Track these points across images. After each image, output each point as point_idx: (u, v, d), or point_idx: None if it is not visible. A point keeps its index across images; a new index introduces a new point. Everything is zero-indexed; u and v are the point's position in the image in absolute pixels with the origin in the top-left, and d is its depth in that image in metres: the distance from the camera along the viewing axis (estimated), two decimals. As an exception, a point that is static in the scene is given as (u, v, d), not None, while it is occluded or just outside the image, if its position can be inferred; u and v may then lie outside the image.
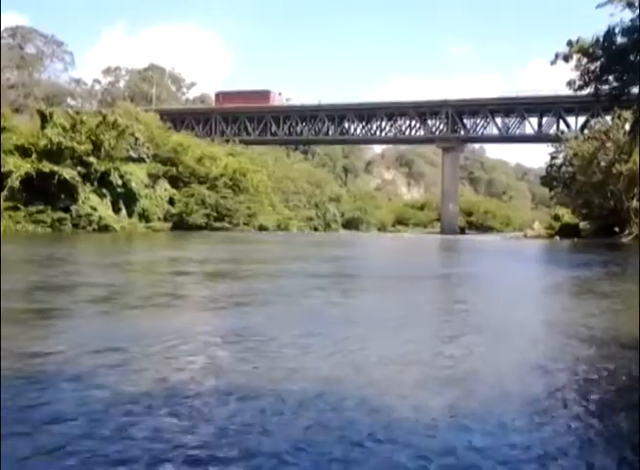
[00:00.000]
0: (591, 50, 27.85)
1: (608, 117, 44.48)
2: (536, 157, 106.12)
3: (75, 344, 4.94)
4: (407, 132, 67.28)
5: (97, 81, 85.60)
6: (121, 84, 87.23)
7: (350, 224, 73.81)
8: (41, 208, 34.13)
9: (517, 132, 62.09)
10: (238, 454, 2.73)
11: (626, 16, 26.52)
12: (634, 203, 40.60)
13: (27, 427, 3.00)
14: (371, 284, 11.31)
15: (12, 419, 3.09)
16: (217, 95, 73.20)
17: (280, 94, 70.41)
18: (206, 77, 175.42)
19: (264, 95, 68.53)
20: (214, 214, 46.88)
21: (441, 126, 63.68)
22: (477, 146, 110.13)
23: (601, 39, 26.95)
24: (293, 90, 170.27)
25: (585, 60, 28.60)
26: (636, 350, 5.03)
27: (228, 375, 4.09)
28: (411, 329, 6.18)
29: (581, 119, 55.84)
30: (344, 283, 11.21)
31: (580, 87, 29.64)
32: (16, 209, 33.66)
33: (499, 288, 11.16)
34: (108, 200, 38.02)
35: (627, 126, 37.32)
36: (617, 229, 41.28)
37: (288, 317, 6.80)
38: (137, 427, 3.02)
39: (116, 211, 38.69)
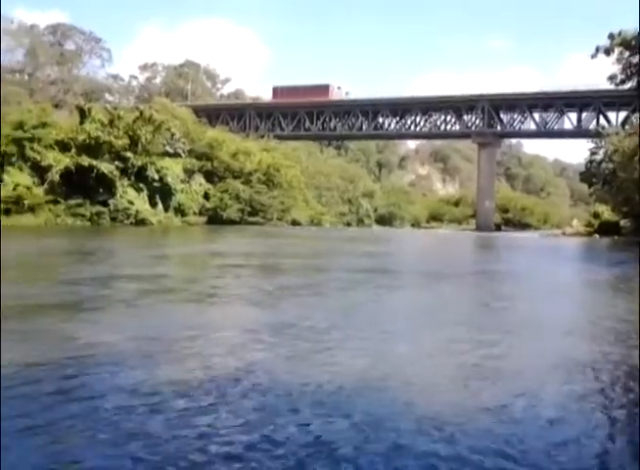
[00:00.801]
0: (634, 43, 27.10)
1: (651, 112, 43.22)
2: (575, 152, 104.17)
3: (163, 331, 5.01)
4: (442, 127, 66.51)
5: (134, 77, 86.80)
6: (158, 80, 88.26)
7: (384, 220, 73.41)
8: (80, 201, 34.82)
9: (555, 127, 60.77)
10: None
11: (673, 7, 25.69)
12: (678, 200, 39.32)
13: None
14: (409, 280, 11.21)
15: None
16: (275, 90, 71.17)
17: (339, 88, 68.83)
18: (241, 73, 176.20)
19: (324, 89, 67.27)
20: (248, 209, 47.15)
21: (477, 121, 62.74)
22: (514, 141, 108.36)
23: (645, 31, 26.17)
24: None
25: (627, 53, 27.85)
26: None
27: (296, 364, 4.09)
28: (452, 326, 6.08)
29: (622, 115, 54.36)
30: (382, 279, 11.12)
31: (622, 81, 28.93)
32: (56, 202, 34.39)
33: (536, 286, 10.93)
34: (144, 194, 38.56)
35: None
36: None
37: (330, 311, 6.77)
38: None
39: (153, 205, 39.22)
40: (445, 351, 4.86)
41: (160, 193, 39.85)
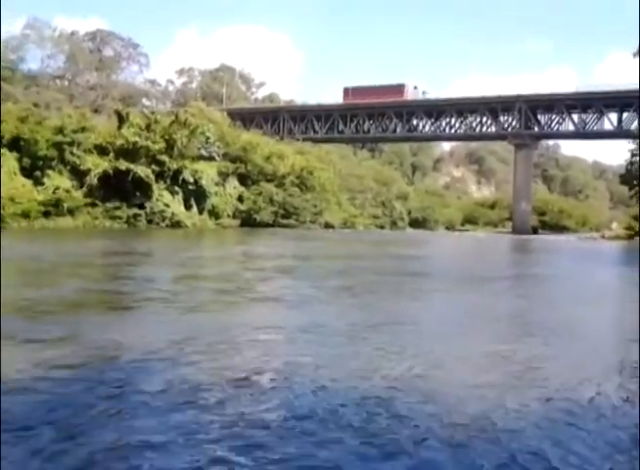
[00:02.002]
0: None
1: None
2: (615, 154, 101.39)
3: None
4: (478, 129, 65.68)
5: (170, 82, 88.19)
6: (194, 85, 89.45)
7: (417, 223, 72.74)
8: (117, 204, 35.43)
9: (594, 128, 59.39)
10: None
11: None
12: None
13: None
14: (446, 284, 11.04)
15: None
16: (346, 90, 68.97)
17: (415, 88, 66.70)
18: (275, 77, 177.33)
19: (399, 89, 65.49)
20: (282, 212, 47.30)
21: (514, 122, 61.75)
22: (551, 142, 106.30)
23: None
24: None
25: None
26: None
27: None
28: (487, 331, 5.96)
29: (666, 114, 52.81)
30: (421, 282, 11.00)
31: (665, 80, 27.98)
32: (94, 205, 35.06)
33: (574, 291, 10.66)
34: (180, 197, 39.04)
35: None
36: None
37: (368, 314, 6.70)
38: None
39: (188, 207, 39.68)
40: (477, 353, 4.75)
41: (195, 196, 40.29)
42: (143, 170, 36.37)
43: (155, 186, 36.96)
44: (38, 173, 34.40)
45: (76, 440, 2.83)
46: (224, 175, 44.94)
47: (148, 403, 3.37)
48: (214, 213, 42.39)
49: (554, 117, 61.09)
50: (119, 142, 37.45)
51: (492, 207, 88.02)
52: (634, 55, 27.93)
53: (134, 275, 10.14)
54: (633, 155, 49.16)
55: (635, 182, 48.49)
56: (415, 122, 67.50)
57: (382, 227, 61.82)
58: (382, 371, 4.16)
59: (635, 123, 55.46)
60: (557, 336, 5.80)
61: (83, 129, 37.12)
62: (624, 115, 57.15)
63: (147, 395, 3.51)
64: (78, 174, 35.80)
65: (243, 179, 47.59)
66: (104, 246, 18.73)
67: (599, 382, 4.08)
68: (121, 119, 39.63)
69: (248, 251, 18.98)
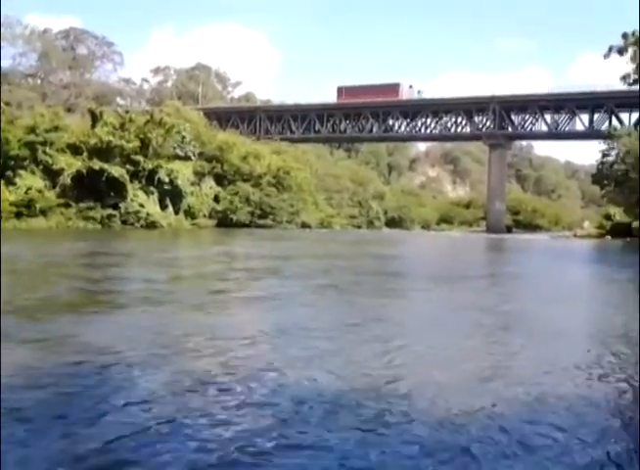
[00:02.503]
0: (647, 42, 26.86)
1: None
2: (587, 154, 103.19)
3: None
4: (453, 129, 66.30)
5: (145, 81, 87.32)
6: (169, 84, 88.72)
7: (394, 222, 73.20)
8: (91, 205, 35.02)
9: (567, 129, 60.36)
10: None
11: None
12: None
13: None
14: (420, 284, 11.15)
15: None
16: (340, 90, 67.95)
17: (411, 87, 65.97)
18: (251, 76, 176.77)
19: (394, 88, 64.76)
20: (258, 212, 47.21)
21: (488, 123, 62.47)
22: (524, 143, 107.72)
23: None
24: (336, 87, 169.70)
25: (641, 53, 27.61)
26: None
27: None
28: (459, 328, 6.04)
29: (635, 115, 53.90)
30: (395, 282, 11.09)
31: (635, 81, 28.64)
32: (67, 205, 34.61)
33: (545, 289, 10.85)
34: (155, 197, 38.72)
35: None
36: (672, 229, 39.75)
37: (340, 313, 6.74)
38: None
39: (163, 208, 39.38)
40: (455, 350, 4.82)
41: (171, 196, 40.00)
42: (117, 170, 35.99)
43: (129, 186, 36.61)
44: (10, 173, 33.83)
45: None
46: (200, 175, 44.70)
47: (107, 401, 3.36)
48: (190, 214, 42.14)
49: (527, 117, 61.96)
50: (93, 141, 37.01)
51: (467, 206, 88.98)
52: (605, 56, 28.57)
53: (110, 276, 10.05)
54: (604, 155, 50.05)
55: (606, 182, 49.40)
56: (391, 123, 67.88)
57: (358, 227, 62.04)
58: (362, 368, 4.21)
59: (606, 124, 56.53)
60: (525, 333, 5.91)
61: (56, 128, 36.61)
62: (595, 115, 58.18)
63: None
64: (51, 174, 35.29)
65: (219, 179, 47.39)
66: (78, 248, 18.51)
67: (564, 378, 4.17)
68: (95, 119, 39.17)
69: (225, 251, 18.91)
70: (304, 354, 4.57)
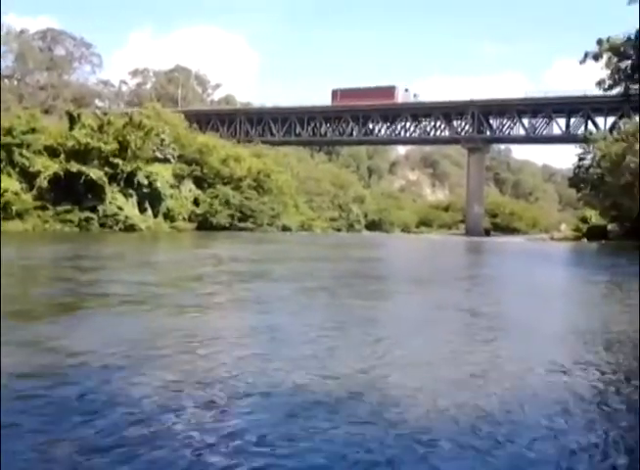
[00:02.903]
0: (622, 48, 27.36)
1: (637, 118, 43.62)
2: (564, 158, 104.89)
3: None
4: (432, 133, 66.79)
5: (124, 83, 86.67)
6: (148, 86, 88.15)
7: (374, 225, 73.54)
8: (69, 207, 34.62)
9: (544, 133, 61.18)
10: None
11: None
12: (665, 205, 39.69)
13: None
14: (398, 286, 11.22)
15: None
16: (334, 92, 67.29)
17: (406, 90, 65.63)
18: (231, 79, 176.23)
19: (389, 91, 64.36)
20: (238, 215, 47.09)
21: (467, 127, 63.08)
22: (502, 147, 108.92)
23: (632, 37, 26.47)
24: (318, 91, 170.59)
25: (616, 58, 28.11)
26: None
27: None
28: (435, 330, 6.11)
29: (610, 120, 54.76)
30: (373, 285, 11.14)
31: (610, 87, 29.20)
32: (44, 208, 34.18)
33: (521, 291, 11.00)
34: (134, 200, 38.42)
35: (658, 127, 36.56)
36: (646, 232, 40.41)
37: (316, 316, 6.77)
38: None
39: (142, 210, 39.07)
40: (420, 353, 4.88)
41: (150, 199, 39.72)
42: (95, 172, 35.64)
43: (107, 188, 36.28)
44: (-15, 175, 33.33)
45: None
46: (180, 178, 44.47)
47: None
48: (170, 217, 41.86)
49: (505, 121, 62.67)
50: (71, 143, 36.61)
51: (446, 209, 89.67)
52: (581, 62, 29.09)
53: (87, 279, 9.97)
54: (580, 159, 50.80)
55: (582, 185, 50.14)
56: (371, 126, 68.19)
57: (339, 230, 62.21)
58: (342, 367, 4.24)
59: (582, 128, 57.42)
60: (500, 333, 6.00)
61: (33, 130, 36.19)
62: (572, 120, 59.06)
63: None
64: (28, 176, 34.84)
65: (199, 182, 47.17)
66: (55, 251, 18.30)
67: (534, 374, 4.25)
68: (73, 120, 38.76)
69: (205, 254, 18.84)
70: (283, 357, 4.58)
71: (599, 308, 8.48)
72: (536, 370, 4.46)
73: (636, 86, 27.95)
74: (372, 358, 4.64)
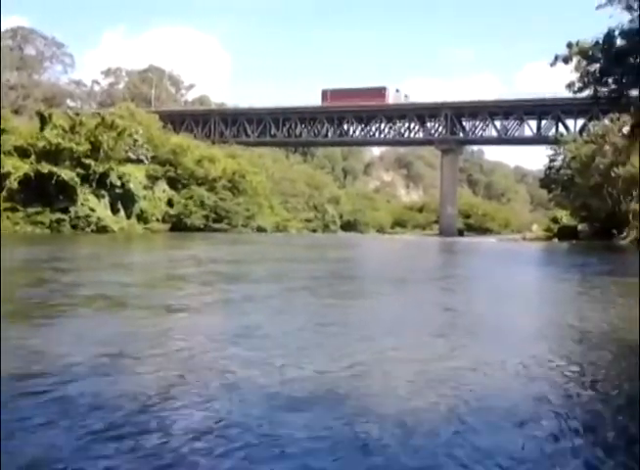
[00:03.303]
0: (591, 52, 27.84)
1: (607, 120, 44.53)
2: (535, 159, 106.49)
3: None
4: (406, 134, 67.33)
5: (96, 83, 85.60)
6: (121, 86, 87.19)
7: (349, 226, 73.83)
8: (39, 209, 34.08)
9: (515, 134, 62.13)
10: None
11: (626, 18, 26.57)
12: (632, 205, 40.65)
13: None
14: (371, 287, 11.30)
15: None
16: (324, 93, 66.92)
17: (398, 91, 65.62)
18: (205, 79, 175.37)
19: (379, 92, 64.10)
20: (213, 216, 46.89)
21: (440, 128, 63.71)
22: (475, 148, 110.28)
23: (600, 41, 26.96)
24: (291, 92, 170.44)
25: (585, 62, 28.59)
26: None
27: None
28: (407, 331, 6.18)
29: (580, 122, 55.90)
30: (345, 285, 11.20)
31: (580, 89, 29.61)
32: (14, 210, 33.60)
33: (491, 290, 11.17)
34: (106, 201, 37.99)
35: (626, 129, 37.37)
36: (615, 231, 41.34)
37: (285, 318, 6.79)
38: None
39: (115, 212, 38.65)
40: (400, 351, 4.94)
41: (123, 200, 39.30)
42: (67, 173, 35.15)
43: (79, 190, 35.82)
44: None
45: None
46: (153, 179, 44.09)
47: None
48: (143, 218, 41.48)
49: (478, 123, 63.46)
50: (42, 144, 36.05)
51: (420, 210, 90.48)
52: (551, 65, 29.53)
53: (58, 281, 9.84)
54: (551, 160, 51.72)
55: (553, 186, 51.02)
56: (346, 127, 68.45)
57: (314, 231, 62.31)
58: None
59: (553, 130, 58.43)
60: (476, 330, 6.10)
61: (3, 131, 35.53)
62: (543, 122, 60.09)
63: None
64: (-3, 177, 34.21)
65: (173, 183, 46.84)
66: (25, 253, 18.02)
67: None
68: (44, 121, 38.16)
69: (178, 256, 18.72)
70: (254, 358, 4.59)
71: (574, 305, 8.66)
72: (511, 364, 4.55)
73: (605, 89, 28.44)
74: (342, 357, 4.69)
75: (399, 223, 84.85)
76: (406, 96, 65.47)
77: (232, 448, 2.83)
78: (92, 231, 34.95)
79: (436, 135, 64.01)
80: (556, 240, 44.69)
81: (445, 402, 3.56)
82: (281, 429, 3.09)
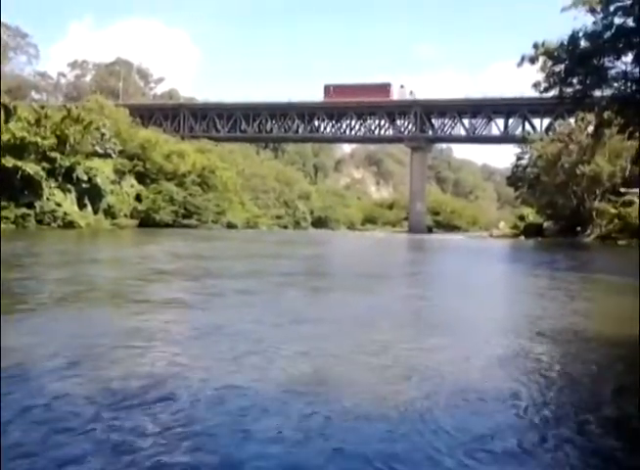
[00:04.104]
0: (556, 53, 28.36)
1: (572, 120, 45.46)
2: (502, 157, 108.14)
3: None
4: (376, 132, 67.73)
5: (62, 75, 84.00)
6: (88, 78, 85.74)
7: (320, 223, 74.02)
8: (4, 204, 33.29)
9: (483, 133, 63.05)
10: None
11: (589, 20, 27.16)
12: (596, 203, 41.63)
13: None
14: (338, 283, 11.38)
15: None
16: (327, 88, 66.02)
17: (402, 87, 65.16)
18: (175, 73, 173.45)
19: (384, 88, 63.73)
20: (182, 212, 46.50)
21: (410, 126, 64.25)
22: (444, 146, 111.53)
23: (565, 43, 27.50)
24: (260, 87, 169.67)
25: (550, 62, 29.11)
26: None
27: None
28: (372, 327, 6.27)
29: (546, 121, 57.03)
30: (313, 281, 11.27)
31: (546, 89, 30.13)
32: (-23, 205, 32.80)
33: (458, 286, 11.36)
34: (73, 196, 37.36)
35: (590, 129, 38.22)
36: (579, 229, 42.27)
37: (254, 315, 6.82)
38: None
39: (82, 207, 38.05)
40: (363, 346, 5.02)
41: (90, 195, 38.70)
42: (32, 167, 34.43)
43: (45, 184, 35.15)
44: None
45: None
46: (121, 173, 43.51)
47: None
48: (110, 213, 40.92)
49: (447, 121, 64.18)
50: (6, 137, 35.18)
51: (390, 207, 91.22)
52: (518, 65, 30.05)
53: (20, 278, 9.68)
54: (518, 158, 52.65)
55: (520, 184, 51.93)
56: (317, 124, 68.52)
57: (285, 227, 62.30)
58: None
59: (520, 129, 59.44)
60: (444, 324, 6.22)
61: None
62: (510, 121, 61.10)
63: None
64: (-41, 171, 33.33)
65: (141, 178, 46.30)
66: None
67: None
68: (8, 113, 37.21)
69: (147, 252, 18.54)
70: (220, 356, 4.58)
71: (545, 300, 8.86)
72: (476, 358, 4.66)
73: (570, 89, 29.02)
74: (308, 351, 4.75)
75: (370, 220, 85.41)
76: (411, 92, 65.15)
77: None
78: (58, 226, 34.34)
79: (406, 133, 64.54)
80: (522, 237, 45.48)
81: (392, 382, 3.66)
82: (248, 418, 3.13)
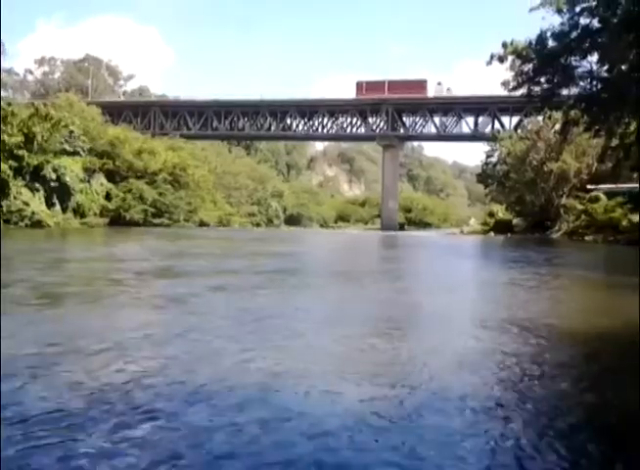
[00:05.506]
0: (524, 52, 28.86)
1: (540, 118, 46.26)
2: (473, 155, 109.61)
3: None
4: (348, 129, 68.00)
5: (29, 72, 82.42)
6: (56, 75, 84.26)
7: (293, 220, 74.03)
8: (-31, 203, 32.66)
9: (454, 131, 63.78)
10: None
11: (557, 20, 27.73)
12: (563, 200, 42.46)
13: None
14: (312, 281, 11.42)
15: None
16: (359, 84, 64.38)
17: (439, 84, 64.12)
18: (145, 71, 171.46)
19: (420, 84, 62.57)
20: (153, 210, 46.04)
21: (382, 124, 64.65)
22: (415, 144, 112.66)
23: (533, 42, 28.00)
24: (233, 85, 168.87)
25: (519, 61, 29.63)
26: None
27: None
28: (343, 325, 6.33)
29: (515, 119, 57.97)
30: (285, 280, 11.29)
31: (514, 88, 30.67)
32: (-59, 204, 32.07)
33: (431, 283, 11.52)
34: (41, 194, 36.74)
35: (557, 126, 38.96)
36: (548, 225, 43.06)
37: (223, 315, 6.82)
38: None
39: (50, 206, 37.44)
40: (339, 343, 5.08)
41: (58, 193, 38.10)
42: (-2, 166, 33.75)
43: (12, 183, 34.48)
44: None
45: None
46: (90, 171, 42.92)
47: None
48: (80, 212, 40.36)
49: (418, 119, 64.76)
50: (-30, 135, 34.46)
51: (363, 205, 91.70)
52: (487, 64, 30.53)
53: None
54: (488, 156, 53.39)
55: (490, 181, 52.67)
56: (289, 121, 68.50)
57: (258, 225, 62.18)
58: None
59: (489, 127, 60.26)
60: (417, 321, 6.31)
61: None
62: (480, 119, 61.96)
63: None
64: None
65: (111, 176, 45.72)
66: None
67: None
68: (-28, 110, 36.45)
69: (117, 251, 18.34)
70: (186, 357, 4.58)
71: (519, 296, 9.03)
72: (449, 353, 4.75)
73: (537, 88, 29.57)
74: (277, 349, 4.80)
75: (342, 218, 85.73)
76: (448, 89, 63.94)
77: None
78: (26, 226, 33.72)
79: (378, 131, 64.92)
80: (492, 234, 46.12)
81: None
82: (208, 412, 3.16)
